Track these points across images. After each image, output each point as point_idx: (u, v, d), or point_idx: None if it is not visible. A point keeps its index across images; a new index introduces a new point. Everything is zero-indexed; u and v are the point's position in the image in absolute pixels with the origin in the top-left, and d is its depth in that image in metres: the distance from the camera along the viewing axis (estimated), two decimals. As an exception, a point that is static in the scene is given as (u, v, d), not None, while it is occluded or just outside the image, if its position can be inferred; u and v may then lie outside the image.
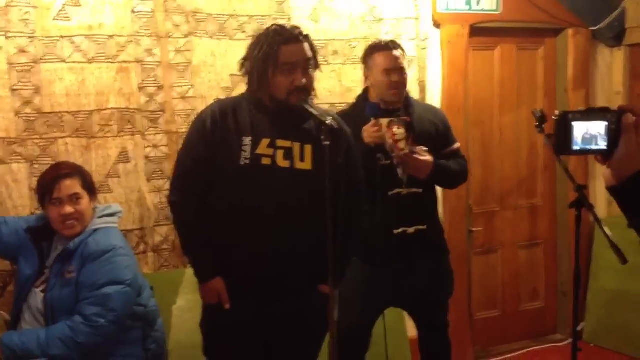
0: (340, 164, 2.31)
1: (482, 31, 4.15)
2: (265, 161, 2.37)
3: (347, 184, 2.42)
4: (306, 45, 2.41)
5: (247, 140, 2.37)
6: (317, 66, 2.47)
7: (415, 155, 2.75)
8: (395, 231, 2.87)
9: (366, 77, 3.00)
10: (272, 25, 2.49)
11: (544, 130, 2.90)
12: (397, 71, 2.89)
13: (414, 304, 3.09)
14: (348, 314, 2.91)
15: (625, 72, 4.53)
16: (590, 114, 1.44)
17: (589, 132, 1.42)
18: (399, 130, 2.76)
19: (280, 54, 2.35)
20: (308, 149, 2.42)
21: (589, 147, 1.43)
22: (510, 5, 4.15)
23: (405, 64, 2.95)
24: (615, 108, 1.43)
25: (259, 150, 2.37)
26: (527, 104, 4.38)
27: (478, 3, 4.07)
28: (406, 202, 2.87)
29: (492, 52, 4.36)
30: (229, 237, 2.42)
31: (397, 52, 2.92)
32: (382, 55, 2.91)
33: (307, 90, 2.40)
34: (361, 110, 2.93)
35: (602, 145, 1.42)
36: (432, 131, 2.95)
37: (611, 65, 4.58)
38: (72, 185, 2.59)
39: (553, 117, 1.45)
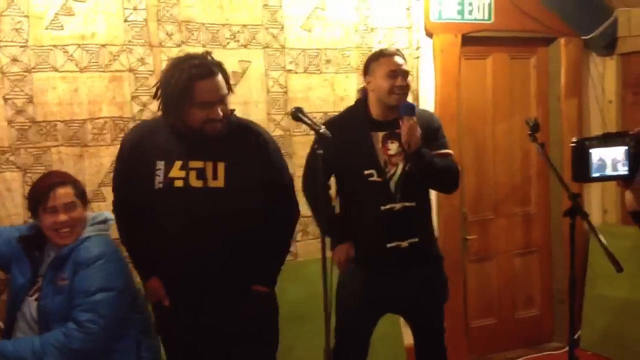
0: (255, 176, 2.47)
1: (474, 40, 4.18)
2: (178, 183, 2.42)
3: (274, 188, 2.55)
4: (220, 78, 2.40)
5: (161, 164, 2.42)
6: (230, 92, 2.48)
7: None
8: (389, 245, 2.87)
9: (367, 82, 2.96)
10: (186, 55, 2.49)
11: (537, 139, 2.92)
12: (402, 74, 2.88)
13: (409, 309, 3.07)
14: (345, 320, 2.93)
15: (618, 81, 4.55)
16: (608, 139, 1.41)
17: (608, 158, 1.39)
18: (392, 145, 2.84)
19: (195, 91, 2.34)
20: (221, 166, 2.44)
21: (608, 174, 1.40)
22: (502, 15, 4.18)
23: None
24: (634, 131, 1.40)
25: (172, 174, 2.42)
26: (520, 113, 4.40)
27: (470, 12, 4.09)
28: (399, 217, 2.86)
29: (484, 61, 4.38)
30: (156, 254, 2.51)
31: (402, 59, 2.91)
32: (389, 59, 2.90)
33: (222, 120, 2.41)
34: (358, 115, 2.94)
35: (623, 170, 1.39)
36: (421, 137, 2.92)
37: (603, 74, 4.60)
38: (66, 194, 2.59)
39: (570, 145, 1.42)
